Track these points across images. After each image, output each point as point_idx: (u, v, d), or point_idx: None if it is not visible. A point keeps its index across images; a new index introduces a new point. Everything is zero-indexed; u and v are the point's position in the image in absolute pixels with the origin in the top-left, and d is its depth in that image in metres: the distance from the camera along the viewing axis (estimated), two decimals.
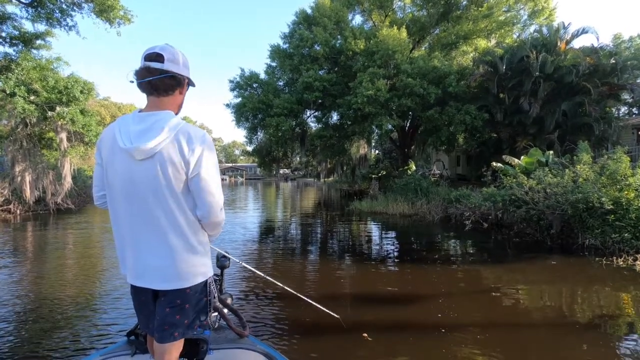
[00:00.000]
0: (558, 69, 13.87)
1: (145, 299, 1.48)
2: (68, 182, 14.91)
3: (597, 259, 6.57)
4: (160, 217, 1.34)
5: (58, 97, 13.13)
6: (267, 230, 11.23)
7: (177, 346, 1.47)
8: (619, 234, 6.89)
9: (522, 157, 10.53)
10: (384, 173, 19.98)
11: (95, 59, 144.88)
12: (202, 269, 1.44)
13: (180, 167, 1.32)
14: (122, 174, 1.34)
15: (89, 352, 3.14)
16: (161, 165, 1.31)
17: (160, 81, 1.35)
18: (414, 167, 24.54)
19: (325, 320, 3.51)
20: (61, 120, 13.17)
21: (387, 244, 8.87)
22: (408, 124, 20.99)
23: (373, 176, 19.88)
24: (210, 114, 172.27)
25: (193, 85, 1.52)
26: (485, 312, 4.41)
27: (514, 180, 8.93)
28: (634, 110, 23.52)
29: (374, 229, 11.17)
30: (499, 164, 10.64)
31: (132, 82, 1.39)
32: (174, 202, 1.34)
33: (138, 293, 1.49)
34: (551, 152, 10.26)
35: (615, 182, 7.39)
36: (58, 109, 13.16)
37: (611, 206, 6.94)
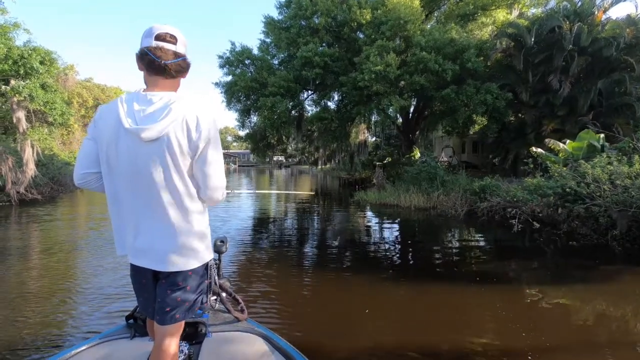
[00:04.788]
0: (594, 42, 12.14)
1: (146, 281, 1.45)
2: (31, 169, 12.92)
3: None
4: (164, 199, 1.31)
5: (13, 68, 11.05)
6: (260, 226, 9.51)
7: (178, 328, 1.46)
8: None
9: (567, 142, 8.88)
10: (390, 160, 18.25)
11: (75, 39, 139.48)
12: (203, 251, 1.43)
13: (186, 150, 1.30)
14: (127, 155, 1.29)
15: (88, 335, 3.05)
16: (168, 147, 1.27)
17: (176, 64, 1.32)
18: (418, 154, 22.90)
19: (326, 304, 3.67)
20: (17, 96, 11.12)
21: (413, 249, 7.24)
22: (413, 107, 19.23)
23: (377, 163, 18.12)
24: (200, 97, 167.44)
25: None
26: None
27: (565, 169, 7.30)
28: None
29: (390, 228, 9.51)
30: (539, 150, 8.98)
31: (146, 54, 1.30)
32: (179, 185, 1.32)
33: (138, 274, 1.46)
34: (602, 135, 8.63)
35: None
36: (13, 82, 11.10)
37: None
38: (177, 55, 1.31)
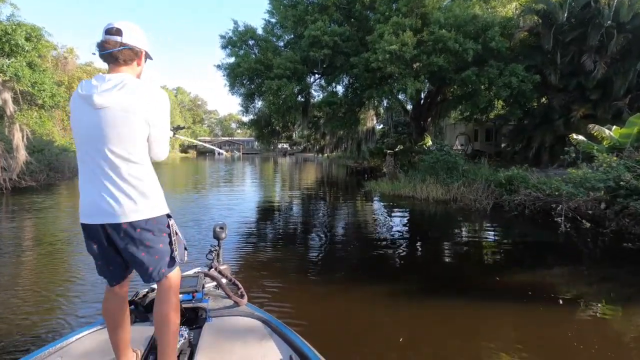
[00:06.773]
0: (635, 17, 10.95)
1: (99, 242, 1.51)
2: (22, 155, 12.13)
3: None
4: (116, 159, 1.43)
5: None
6: (265, 216, 8.69)
7: (175, 280, 1.57)
8: None
9: (612, 128, 7.87)
10: (402, 148, 17.26)
11: (73, 24, 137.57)
12: (157, 203, 1.52)
13: (137, 117, 1.43)
14: (83, 120, 1.45)
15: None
16: (117, 115, 1.41)
17: (120, 52, 1.48)
18: (430, 142, 21.85)
19: (324, 288, 3.88)
20: (1, 75, 10.23)
21: (435, 248, 6.38)
22: (426, 92, 18.11)
23: (388, 151, 17.14)
24: (205, 85, 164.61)
25: (151, 58, 1.67)
26: None
27: (615, 158, 6.33)
28: None
29: (408, 222, 8.64)
30: (580, 137, 7.98)
31: (94, 54, 1.51)
32: (129, 147, 1.44)
33: (92, 237, 1.51)
34: None
35: None
36: None
37: None
38: (122, 45, 1.46)
